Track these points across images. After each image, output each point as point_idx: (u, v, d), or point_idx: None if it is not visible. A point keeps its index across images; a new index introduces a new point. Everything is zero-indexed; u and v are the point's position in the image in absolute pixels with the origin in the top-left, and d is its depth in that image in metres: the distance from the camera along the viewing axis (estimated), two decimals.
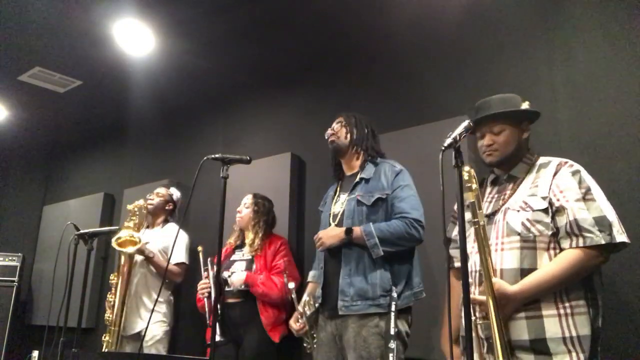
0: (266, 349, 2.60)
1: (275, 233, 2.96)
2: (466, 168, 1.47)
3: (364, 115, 2.35)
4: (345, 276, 2.01)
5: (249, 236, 2.84)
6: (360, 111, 2.50)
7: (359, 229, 2.00)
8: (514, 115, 1.67)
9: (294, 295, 2.31)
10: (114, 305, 3.05)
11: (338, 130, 2.26)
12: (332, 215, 2.19)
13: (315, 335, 2.17)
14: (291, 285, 2.33)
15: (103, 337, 3.05)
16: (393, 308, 1.92)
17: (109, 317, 3.05)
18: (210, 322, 2.60)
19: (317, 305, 2.16)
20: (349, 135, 2.24)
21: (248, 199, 2.91)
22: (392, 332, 1.87)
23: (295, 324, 2.21)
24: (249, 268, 2.73)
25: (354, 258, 2.03)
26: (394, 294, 1.95)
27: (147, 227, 3.37)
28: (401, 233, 1.97)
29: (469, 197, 1.46)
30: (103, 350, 2.99)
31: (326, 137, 2.31)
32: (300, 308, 2.21)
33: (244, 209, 2.87)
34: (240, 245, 2.89)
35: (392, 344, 1.87)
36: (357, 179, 2.17)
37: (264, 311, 2.62)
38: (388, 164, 2.18)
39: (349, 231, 2.01)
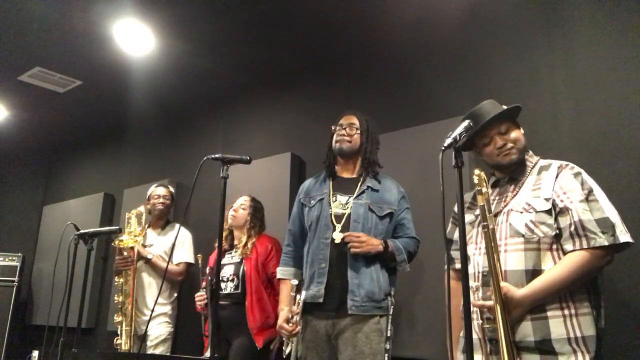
0: (252, 351, 2.58)
1: (266, 233, 2.92)
2: (476, 171, 1.48)
3: (373, 120, 2.32)
4: (354, 278, 2.02)
5: (241, 238, 2.79)
6: (360, 111, 2.49)
7: (391, 244, 2.10)
8: (512, 114, 1.71)
9: (293, 293, 2.12)
10: (123, 308, 3.06)
11: (352, 135, 2.23)
12: (333, 215, 2.15)
13: (301, 337, 2.10)
14: (294, 281, 2.16)
15: (115, 340, 3.05)
16: (391, 311, 2.05)
17: (119, 320, 3.05)
18: (207, 332, 2.60)
19: (301, 304, 2.07)
20: (361, 145, 2.23)
21: (245, 201, 2.87)
22: (389, 333, 2.02)
23: (287, 325, 2.07)
24: (237, 271, 2.70)
25: (362, 261, 2.05)
26: (392, 298, 2.09)
27: (149, 226, 3.36)
28: (413, 250, 2.20)
29: (479, 201, 1.46)
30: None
31: (336, 137, 2.24)
32: (295, 308, 2.08)
33: (241, 210, 2.82)
34: (229, 249, 2.84)
35: (388, 345, 2.00)
36: (364, 187, 2.18)
37: (250, 315, 2.60)
38: (390, 181, 2.27)
39: (386, 244, 2.08)
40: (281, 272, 2.27)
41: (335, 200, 2.19)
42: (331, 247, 2.10)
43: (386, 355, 1.99)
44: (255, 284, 2.65)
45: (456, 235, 1.75)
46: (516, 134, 1.70)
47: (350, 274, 2.03)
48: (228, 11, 3.03)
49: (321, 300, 2.04)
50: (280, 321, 2.10)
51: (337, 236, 2.09)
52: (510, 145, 1.68)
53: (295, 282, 2.15)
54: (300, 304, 2.06)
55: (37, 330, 4.72)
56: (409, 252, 2.15)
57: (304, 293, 2.09)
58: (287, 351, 2.10)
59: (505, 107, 1.71)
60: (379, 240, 2.08)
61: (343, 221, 2.12)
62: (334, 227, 2.12)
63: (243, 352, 2.58)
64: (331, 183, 2.26)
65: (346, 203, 2.16)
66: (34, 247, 5.22)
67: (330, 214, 2.16)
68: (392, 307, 2.07)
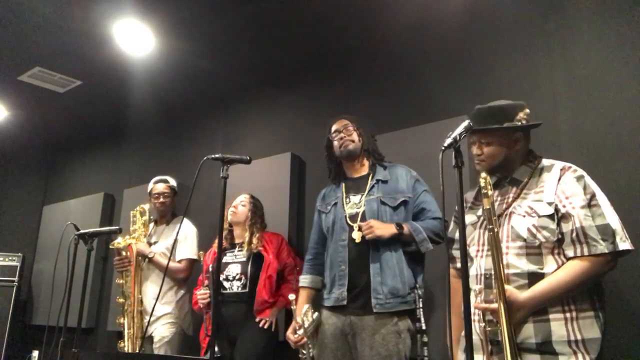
0: (262, 347, 2.59)
1: (269, 230, 2.93)
2: (483, 174, 1.49)
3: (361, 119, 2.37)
4: (375, 275, 2.03)
5: (244, 236, 2.77)
6: (360, 111, 2.50)
7: (406, 225, 2.05)
8: (499, 131, 1.66)
9: (294, 307, 2.25)
10: (124, 309, 3.01)
11: (351, 134, 2.26)
12: (348, 216, 2.17)
13: (311, 346, 2.15)
14: (291, 296, 2.28)
15: (119, 343, 3.01)
16: (420, 304, 2.01)
17: (122, 321, 3.00)
18: (210, 331, 2.58)
19: (315, 315, 2.16)
20: (361, 139, 2.27)
21: (245, 198, 2.89)
22: (424, 326, 1.98)
23: (292, 336, 2.18)
24: (244, 270, 2.68)
25: (383, 257, 2.05)
26: (419, 291, 2.04)
27: (155, 223, 3.29)
28: (439, 231, 2.10)
29: (485, 204, 1.47)
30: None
31: (337, 143, 2.26)
32: (299, 320, 2.17)
33: (240, 206, 2.83)
34: (229, 247, 2.82)
35: (425, 338, 1.98)
36: (373, 181, 2.20)
37: (259, 296, 2.60)
38: (402, 168, 2.25)
39: (400, 226, 2.04)
40: (301, 280, 2.34)
41: (349, 201, 2.21)
42: (349, 248, 2.12)
43: (425, 348, 1.97)
44: (271, 271, 2.66)
45: (458, 235, 1.75)
46: (493, 150, 1.67)
47: (372, 272, 2.04)
48: (228, 11, 3.03)
49: (345, 302, 2.07)
50: (288, 331, 2.21)
51: (357, 235, 2.10)
52: (482, 157, 1.69)
53: (292, 296, 2.26)
54: (312, 324, 2.14)
55: (37, 330, 4.72)
56: (434, 233, 2.08)
57: (316, 314, 2.16)
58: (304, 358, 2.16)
59: (524, 114, 1.66)
60: (389, 223, 2.06)
61: (358, 220, 2.13)
62: (351, 227, 2.14)
63: (253, 346, 2.57)
64: (344, 186, 2.29)
65: (359, 202, 2.18)
66: (34, 247, 5.22)
67: (345, 216, 2.18)
68: (420, 299, 2.03)
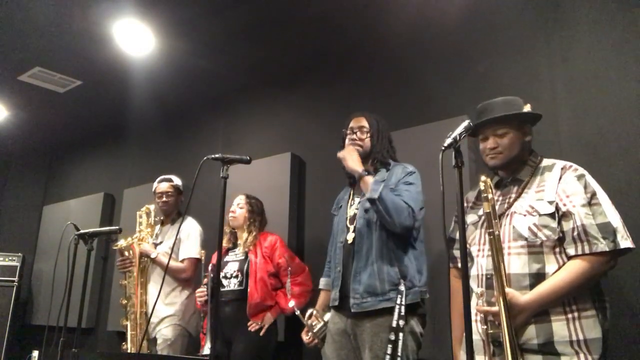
0: (259, 348, 2.60)
1: (267, 231, 2.93)
2: (482, 177, 1.49)
3: (383, 119, 2.30)
4: (356, 274, 2.02)
5: (243, 236, 2.82)
6: (360, 111, 2.49)
7: (372, 175, 2.08)
8: (517, 118, 1.68)
9: (297, 312, 2.27)
10: (126, 310, 2.99)
11: (363, 139, 2.22)
12: (348, 218, 2.18)
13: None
14: (291, 303, 2.33)
15: (122, 345, 2.99)
16: (399, 301, 1.91)
17: (125, 323, 2.98)
18: (205, 330, 2.59)
19: (326, 318, 2.19)
20: (372, 147, 2.22)
21: (241, 200, 2.89)
22: (394, 324, 1.87)
23: (305, 337, 2.25)
24: (241, 268, 2.71)
25: (364, 255, 2.04)
26: (402, 288, 1.95)
27: (162, 223, 3.25)
28: (400, 208, 1.95)
29: (485, 207, 1.47)
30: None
31: (348, 139, 2.24)
32: (308, 322, 2.21)
33: (238, 209, 2.85)
34: (232, 247, 2.88)
35: (392, 336, 1.86)
36: None
37: (254, 293, 2.62)
38: (401, 165, 2.20)
39: (366, 171, 2.07)
40: (320, 282, 2.39)
41: (353, 203, 2.22)
42: (344, 250, 2.13)
43: (390, 347, 1.84)
44: (261, 272, 2.67)
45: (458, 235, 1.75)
46: (511, 140, 1.66)
47: (353, 271, 2.04)
48: (228, 11, 3.03)
49: (337, 303, 2.08)
50: (303, 332, 2.27)
51: (350, 236, 2.12)
52: (499, 149, 1.68)
53: (292, 303, 2.34)
54: (322, 327, 2.19)
55: (37, 330, 4.72)
56: (393, 204, 1.94)
57: (327, 316, 2.19)
58: None
59: (528, 108, 1.69)
60: (360, 165, 2.10)
61: (355, 222, 2.14)
62: (348, 229, 2.15)
63: (252, 346, 2.58)
64: (352, 188, 2.29)
65: (358, 203, 2.18)
66: (34, 247, 5.22)
67: (346, 218, 2.19)
68: (400, 297, 1.90)
